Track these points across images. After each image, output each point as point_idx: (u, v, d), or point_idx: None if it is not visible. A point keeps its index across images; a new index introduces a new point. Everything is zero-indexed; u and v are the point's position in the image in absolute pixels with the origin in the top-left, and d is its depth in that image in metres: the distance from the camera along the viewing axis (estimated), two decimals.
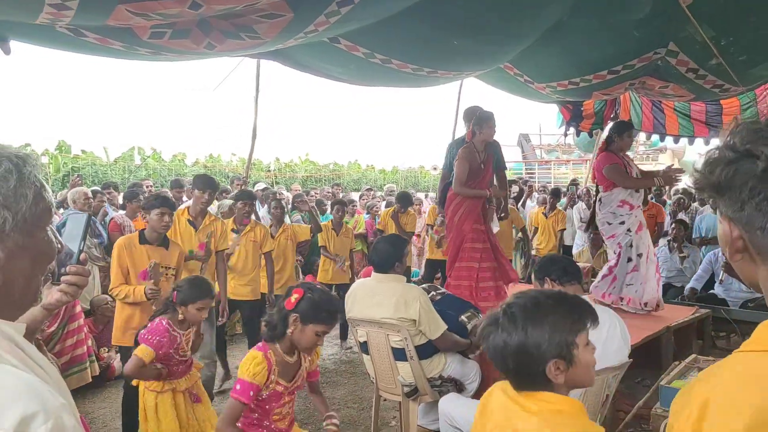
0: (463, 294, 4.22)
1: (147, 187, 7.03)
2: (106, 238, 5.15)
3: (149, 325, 2.78)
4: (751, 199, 0.75)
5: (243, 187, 6.19)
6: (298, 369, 2.31)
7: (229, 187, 8.53)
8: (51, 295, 1.35)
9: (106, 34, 2.97)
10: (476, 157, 4.34)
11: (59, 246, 1.07)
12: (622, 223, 4.42)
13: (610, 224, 4.45)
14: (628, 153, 4.94)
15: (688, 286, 5.37)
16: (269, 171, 18.61)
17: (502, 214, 5.23)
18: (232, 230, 4.63)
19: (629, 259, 4.41)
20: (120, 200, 6.44)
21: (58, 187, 11.71)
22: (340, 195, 10.02)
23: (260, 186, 9.59)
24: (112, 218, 5.42)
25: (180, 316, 2.75)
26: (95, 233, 5.06)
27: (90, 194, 5.38)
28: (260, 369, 2.14)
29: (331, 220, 6.04)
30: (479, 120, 4.36)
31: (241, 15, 2.95)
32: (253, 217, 4.89)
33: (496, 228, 4.74)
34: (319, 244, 5.91)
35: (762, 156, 0.74)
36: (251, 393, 2.11)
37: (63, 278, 1.33)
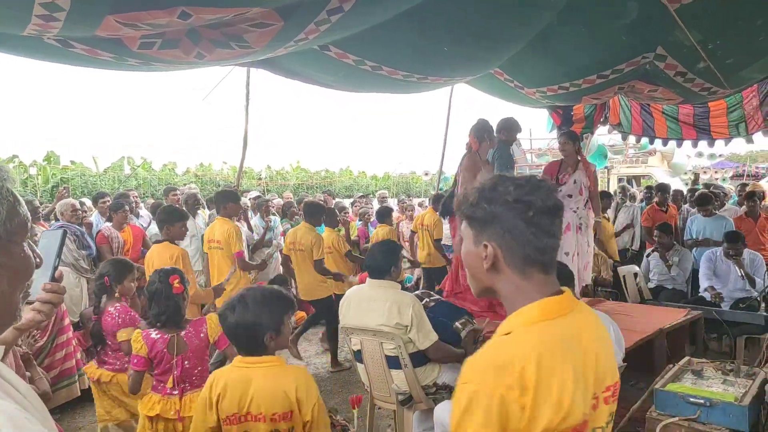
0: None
1: (134, 197, 6.98)
2: (94, 249, 5.10)
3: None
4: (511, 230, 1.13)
5: None
6: None
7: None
8: (24, 314, 1.30)
9: (95, 45, 2.95)
10: (480, 168, 4.37)
11: (38, 260, 1.03)
12: None
13: None
14: (617, 156, 5.02)
15: (703, 286, 5.37)
16: (261, 179, 18.55)
17: None
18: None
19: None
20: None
21: (47, 199, 11.60)
22: (333, 203, 10.02)
23: (252, 194, 9.56)
24: (99, 230, 5.36)
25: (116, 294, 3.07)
26: (84, 245, 5.00)
27: (78, 206, 5.33)
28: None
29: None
30: (489, 132, 4.44)
31: (231, 24, 2.94)
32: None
33: None
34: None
35: (533, 205, 1.12)
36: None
37: (37, 296, 1.28)
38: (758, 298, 4.84)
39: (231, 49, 3.26)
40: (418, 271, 7.68)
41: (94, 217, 6.10)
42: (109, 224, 5.44)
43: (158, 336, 2.61)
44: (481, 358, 1.10)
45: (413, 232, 7.03)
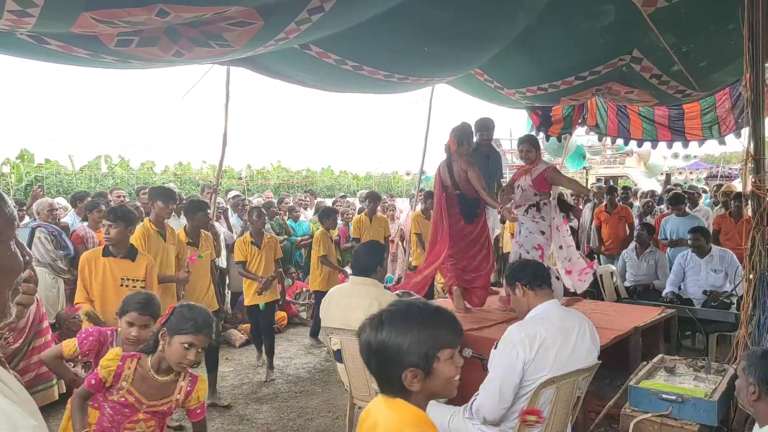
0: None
1: (119, 197, 6.86)
2: (72, 250, 5.01)
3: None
4: None
5: (213, 196, 6.08)
6: (167, 394, 2.23)
7: (200, 195, 8.41)
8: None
9: (70, 42, 2.90)
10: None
11: (27, 258, 1.03)
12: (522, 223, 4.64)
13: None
14: (595, 156, 5.06)
15: (666, 290, 5.49)
16: (241, 178, 18.40)
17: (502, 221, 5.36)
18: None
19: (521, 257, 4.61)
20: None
21: (21, 197, 11.35)
22: (314, 202, 9.99)
23: (232, 194, 9.49)
24: (74, 230, 5.27)
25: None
26: (61, 245, 4.91)
27: (55, 205, 5.24)
28: (110, 363, 2.17)
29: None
30: (467, 135, 4.45)
31: (210, 23, 2.92)
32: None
33: (497, 230, 4.87)
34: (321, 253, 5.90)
35: None
36: (93, 381, 2.18)
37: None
38: (734, 291, 4.96)
39: (210, 48, 3.24)
40: (398, 271, 7.71)
41: (70, 216, 6.00)
42: (84, 224, 5.35)
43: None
44: None
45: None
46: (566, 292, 4.96)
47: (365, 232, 6.58)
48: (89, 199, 5.99)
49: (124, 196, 7.04)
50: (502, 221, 5.73)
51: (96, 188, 13.35)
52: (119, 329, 2.59)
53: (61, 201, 6.85)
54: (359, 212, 7.63)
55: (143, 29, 2.83)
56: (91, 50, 3.02)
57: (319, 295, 5.55)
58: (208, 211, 4.05)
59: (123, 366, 2.17)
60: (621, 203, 7.81)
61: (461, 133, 4.42)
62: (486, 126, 5.09)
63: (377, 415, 1.40)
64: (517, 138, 17.37)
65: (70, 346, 2.57)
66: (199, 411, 2.32)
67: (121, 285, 3.46)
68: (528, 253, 4.43)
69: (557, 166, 5.14)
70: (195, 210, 4.44)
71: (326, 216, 6.17)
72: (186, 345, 2.12)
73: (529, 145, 4.67)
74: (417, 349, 1.34)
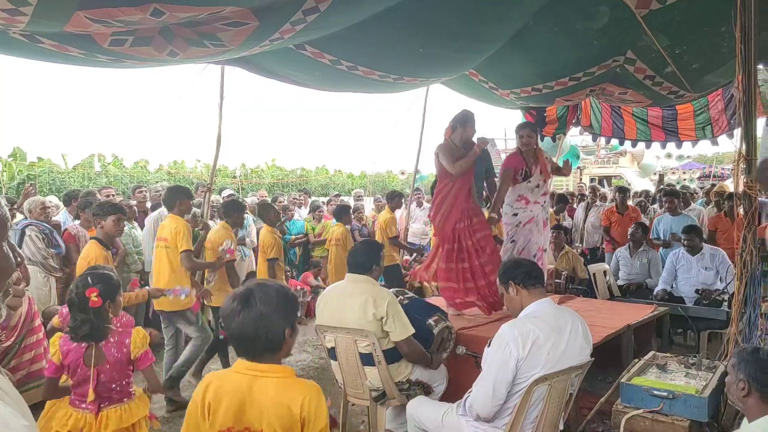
0: (450, 295, 4.36)
1: (108, 196, 6.82)
2: (64, 248, 4.99)
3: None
4: None
5: (207, 194, 6.07)
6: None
7: (194, 194, 8.38)
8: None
9: (63, 41, 2.90)
10: (454, 150, 4.34)
11: (19, 259, 1.04)
12: (515, 215, 4.63)
13: (505, 214, 4.68)
14: (589, 156, 5.07)
15: (657, 289, 5.53)
16: (235, 177, 18.36)
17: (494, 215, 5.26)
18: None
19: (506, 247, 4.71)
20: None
21: (14, 195, 11.28)
22: (309, 201, 10.00)
23: (226, 193, 9.46)
24: (65, 229, 5.24)
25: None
26: (53, 243, 4.90)
27: (47, 203, 5.21)
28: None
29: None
30: (463, 119, 4.38)
31: (205, 23, 2.92)
32: None
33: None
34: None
35: None
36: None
37: None
38: (725, 290, 5.01)
39: (205, 48, 3.24)
40: None
41: (62, 215, 5.98)
42: (76, 222, 5.33)
43: (75, 344, 2.44)
44: None
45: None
46: (557, 290, 5.01)
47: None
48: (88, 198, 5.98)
49: (113, 195, 7.00)
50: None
51: (89, 187, 13.29)
52: None
53: (53, 199, 6.80)
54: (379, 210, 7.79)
55: (138, 29, 2.83)
56: (85, 49, 3.02)
57: None
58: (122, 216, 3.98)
59: None
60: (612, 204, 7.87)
61: (455, 119, 4.39)
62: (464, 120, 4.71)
63: (252, 385, 1.70)
64: (510, 138, 17.40)
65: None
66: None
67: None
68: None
69: None
70: (104, 213, 3.96)
71: (344, 212, 6.72)
72: None
73: (530, 131, 4.67)
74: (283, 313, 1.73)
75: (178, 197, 4.44)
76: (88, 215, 5.21)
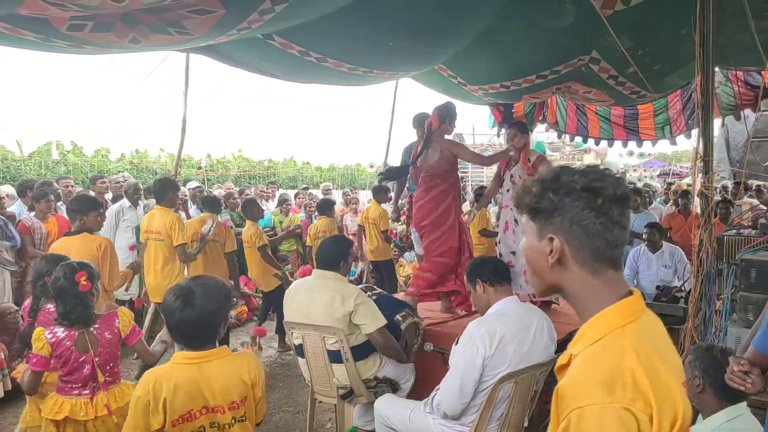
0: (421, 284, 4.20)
1: (66, 186, 6.58)
2: (20, 241, 4.79)
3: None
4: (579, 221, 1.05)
5: None
6: None
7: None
8: None
9: (17, 24, 2.75)
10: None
11: None
12: (499, 218, 4.63)
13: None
14: (555, 153, 5.10)
15: None
16: (200, 168, 17.96)
17: (468, 218, 5.25)
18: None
19: (500, 255, 4.51)
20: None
21: None
22: (277, 194, 9.87)
23: (192, 184, 9.26)
24: (20, 221, 5.03)
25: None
26: (7, 236, 4.70)
27: (1, 194, 5.00)
28: None
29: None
30: (453, 114, 4.29)
31: (170, 9, 2.82)
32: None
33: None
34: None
35: (602, 192, 1.04)
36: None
37: None
38: (682, 287, 5.17)
39: (169, 35, 3.13)
40: (362, 265, 7.70)
41: (17, 206, 5.74)
42: (31, 214, 5.12)
43: (64, 333, 2.47)
44: (582, 376, 1.00)
45: (360, 227, 7.03)
46: None
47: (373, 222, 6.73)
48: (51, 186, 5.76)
49: (71, 186, 6.76)
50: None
51: (47, 176, 12.81)
52: None
53: (7, 189, 6.52)
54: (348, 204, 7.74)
55: (98, 14, 2.71)
56: (41, 33, 2.88)
57: None
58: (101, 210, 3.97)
59: None
60: None
61: (444, 111, 4.26)
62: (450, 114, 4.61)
63: (208, 369, 1.93)
64: (478, 133, 17.60)
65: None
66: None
67: None
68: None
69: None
70: (86, 209, 3.91)
71: (327, 207, 6.76)
72: None
73: (515, 131, 4.48)
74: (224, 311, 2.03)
75: (169, 189, 4.49)
76: (43, 207, 5.01)
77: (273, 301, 5.52)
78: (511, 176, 4.45)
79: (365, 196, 11.90)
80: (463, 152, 4.28)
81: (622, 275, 1.13)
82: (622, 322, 1.04)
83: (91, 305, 2.54)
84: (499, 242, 4.54)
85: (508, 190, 4.52)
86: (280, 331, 5.50)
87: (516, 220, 4.39)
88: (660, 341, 1.08)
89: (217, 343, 1.98)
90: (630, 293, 1.10)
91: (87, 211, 3.79)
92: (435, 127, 4.21)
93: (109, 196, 6.69)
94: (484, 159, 4.84)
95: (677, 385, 1.02)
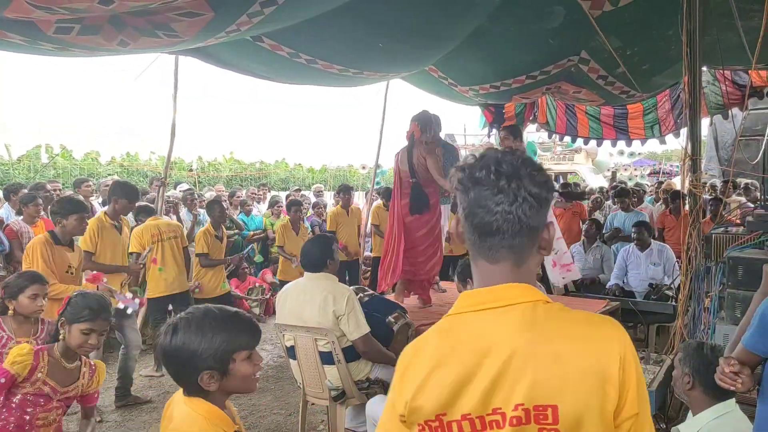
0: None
1: (55, 190, 6.52)
2: (8, 245, 4.74)
3: None
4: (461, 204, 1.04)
5: (162, 188, 5.88)
6: (74, 380, 2.33)
7: (148, 188, 8.13)
8: None
9: (3, 27, 2.73)
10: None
11: None
12: None
13: None
14: (546, 153, 5.08)
15: (609, 284, 5.70)
16: (191, 170, 17.88)
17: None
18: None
19: None
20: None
21: None
22: (268, 195, 9.84)
23: (183, 187, 9.21)
24: (7, 225, 4.97)
25: (10, 312, 2.63)
26: None
27: None
28: (23, 359, 2.15)
29: (290, 220, 6.15)
30: (436, 123, 4.32)
31: (158, 12, 2.81)
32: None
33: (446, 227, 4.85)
34: (277, 244, 6.01)
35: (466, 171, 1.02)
36: (2, 380, 2.14)
37: None
38: (672, 285, 5.22)
39: (158, 38, 3.13)
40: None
41: (4, 210, 5.68)
42: (19, 218, 5.08)
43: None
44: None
45: (374, 225, 7.06)
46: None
47: (342, 225, 6.64)
48: (24, 191, 5.68)
49: (59, 190, 6.71)
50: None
51: (36, 179, 12.69)
52: (65, 335, 2.36)
53: None
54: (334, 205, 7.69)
55: (85, 17, 2.70)
56: (28, 36, 2.86)
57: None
58: (85, 214, 3.71)
59: (38, 359, 2.22)
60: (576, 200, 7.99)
61: (423, 120, 4.31)
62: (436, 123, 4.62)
63: (174, 409, 1.48)
64: (469, 134, 17.65)
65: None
66: (96, 396, 2.49)
67: (66, 272, 3.60)
68: None
69: None
70: (65, 212, 3.72)
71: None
72: (85, 331, 2.24)
73: (506, 134, 4.60)
74: (212, 353, 1.40)
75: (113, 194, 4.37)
76: (31, 210, 4.97)
77: None
78: None
79: (358, 198, 11.87)
80: (429, 162, 4.24)
81: (507, 267, 1.02)
82: (453, 311, 1.05)
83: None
84: None
85: None
86: None
87: None
88: (463, 344, 0.99)
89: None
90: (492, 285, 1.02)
91: (67, 215, 3.61)
92: (417, 135, 4.28)
93: (100, 199, 6.65)
94: (440, 180, 4.31)
95: (446, 386, 0.98)
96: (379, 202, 7.22)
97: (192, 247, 5.44)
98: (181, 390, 1.49)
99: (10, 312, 2.64)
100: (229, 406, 1.55)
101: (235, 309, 1.54)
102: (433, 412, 0.99)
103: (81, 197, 5.63)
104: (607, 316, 1.06)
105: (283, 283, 5.75)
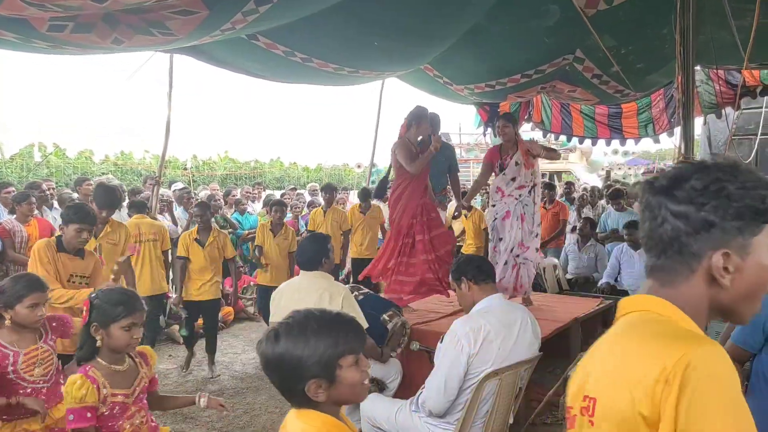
0: (398, 289, 4.32)
1: (50, 189, 6.49)
2: (1, 245, 4.71)
3: None
4: None
5: (156, 187, 5.87)
6: (136, 375, 2.24)
7: (142, 186, 8.10)
8: None
9: None
10: (412, 148, 4.36)
11: None
12: (494, 206, 4.66)
13: (489, 207, 4.77)
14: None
15: (602, 281, 5.73)
16: (186, 169, 17.83)
17: (456, 213, 5.35)
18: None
19: (491, 240, 4.73)
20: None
21: None
22: (263, 194, 9.82)
23: (177, 186, 9.18)
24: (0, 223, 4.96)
25: (7, 322, 2.40)
26: None
27: None
28: (85, 391, 2.04)
29: (270, 221, 5.86)
30: (417, 117, 4.38)
31: (152, 10, 2.80)
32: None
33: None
34: (256, 243, 5.79)
35: None
36: (88, 415, 2.03)
37: None
38: None
39: (152, 36, 3.11)
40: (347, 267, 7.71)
41: None
42: (11, 217, 5.04)
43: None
44: None
45: None
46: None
47: (320, 226, 6.45)
48: (12, 189, 5.64)
49: (53, 189, 6.67)
50: (455, 216, 5.77)
51: (29, 178, 12.62)
52: (11, 319, 2.40)
53: None
54: (318, 205, 7.57)
55: (78, 14, 2.68)
56: (21, 34, 2.84)
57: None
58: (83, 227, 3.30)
59: (93, 378, 2.08)
60: (560, 200, 8.08)
61: (410, 116, 4.37)
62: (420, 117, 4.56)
63: (290, 428, 1.36)
64: (464, 133, 17.63)
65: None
66: (156, 378, 2.40)
67: (69, 281, 3.35)
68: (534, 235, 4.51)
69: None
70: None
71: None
72: (126, 327, 2.12)
73: (505, 122, 4.61)
74: (317, 360, 1.30)
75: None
76: (25, 209, 4.94)
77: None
78: (516, 163, 4.53)
79: (354, 197, 11.87)
80: (399, 153, 4.33)
81: None
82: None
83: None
84: (493, 228, 4.63)
85: (513, 179, 4.54)
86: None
87: (523, 214, 4.49)
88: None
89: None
90: None
91: (67, 223, 3.31)
92: (402, 132, 4.33)
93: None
94: (410, 165, 4.33)
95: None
96: (355, 203, 7.17)
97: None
98: (292, 410, 1.38)
99: (7, 322, 2.41)
100: (345, 418, 1.43)
101: (336, 311, 1.45)
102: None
103: (78, 197, 5.62)
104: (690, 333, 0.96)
105: (260, 287, 5.71)
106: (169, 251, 5.41)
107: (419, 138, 4.48)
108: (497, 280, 4.38)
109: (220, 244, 5.05)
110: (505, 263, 4.49)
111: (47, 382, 2.48)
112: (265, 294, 5.53)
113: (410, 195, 4.35)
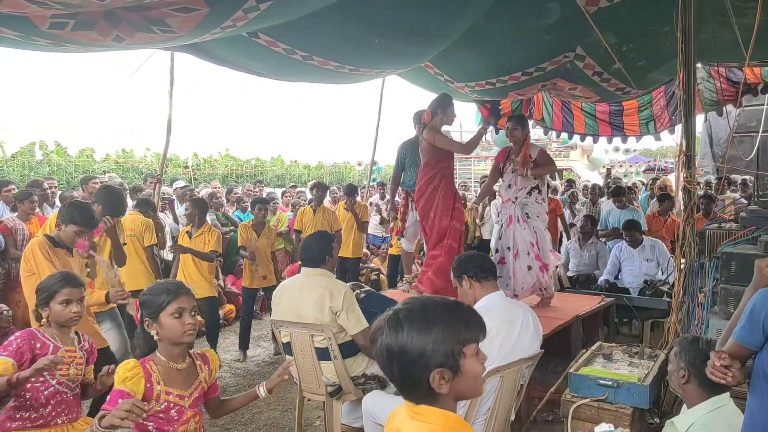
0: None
1: (51, 187, 6.49)
2: (3, 242, 4.72)
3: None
4: None
5: (158, 185, 5.88)
6: (195, 377, 2.15)
7: (143, 185, 8.11)
8: None
9: None
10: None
11: None
12: (498, 214, 4.62)
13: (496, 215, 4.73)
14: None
15: (601, 279, 5.73)
16: (187, 167, 17.82)
17: (475, 204, 5.32)
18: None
19: (496, 250, 4.60)
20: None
21: None
22: (264, 193, 9.82)
23: (179, 184, 9.20)
24: (1, 221, 4.94)
25: (44, 321, 2.39)
26: None
27: None
28: (132, 375, 1.95)
29: (252, 220, 5.76)
30: (444, 104, 4.34)
31: (153, 8, 2.80)
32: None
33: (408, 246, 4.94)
34: (239, 244, 5.68)
35: None
36: (120, 401, 1.87)
37: None
38: (666, 280, 5.24)
39: (153, 34, 3.11)
40: None
41: None
42: (13, 215, 5.05)
43: None
44: None
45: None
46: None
47: (307, 225, 6.33)
48: (14, 187, 5.65)
49: (55, 186, 6.68)
50: None
51: (30, 176, 12.63)
52: (48, 318, 2.39)
53: None
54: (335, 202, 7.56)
55: (79, 12, 2.68)
56: (22, 32, 2.84)
57: None
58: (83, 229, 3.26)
59: (147, 369, 2.00)
60: (561, 198, 8.08)
61: (435, 103, 4.31)
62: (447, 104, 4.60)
63: (400, 424, 1.28)
64: (465, 131, 17.62)
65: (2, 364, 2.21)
66: (217, 385, 2.31)
67: None
68: (540, 236, 4.40)
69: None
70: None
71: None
72: (175, 314, 2.02)
73: (514, 123, 4.50)
74: (442, 348, 1.20)
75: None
76: (26, 207, 4.95)
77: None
78: (513, 170, 4.48)
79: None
80: (439, 140, 4.27)
81: None
82: None
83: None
84: (500, 237, 4.57)
85: (509, 186, 4.51)
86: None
87: (527, 215, 4.43)
88: None
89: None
90: None
91: (68, 223, 3.24)
92: (427, 120, 4.29)
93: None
94: (461, 147, 4.54)
95: None
96: (341, 201, 7.13)
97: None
98: (403, 407, 1.30)
99: (44, 321, 2.41)
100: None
101: (453, 299, 1.35)
102: None
103: (83, 195, 5.63)
104: None
105: (247, 290, 5.63)
106: (155, 246, 5.28)
107: (442, 127, 4.41)
108: (518, 291, 4.32)
109: (206, 239, 5.01)
110: (529, 268, 4.39)
111: (71, 389, 2.43)
112: (249, 295, 5.65)
113: (447, 184, 4.34)
